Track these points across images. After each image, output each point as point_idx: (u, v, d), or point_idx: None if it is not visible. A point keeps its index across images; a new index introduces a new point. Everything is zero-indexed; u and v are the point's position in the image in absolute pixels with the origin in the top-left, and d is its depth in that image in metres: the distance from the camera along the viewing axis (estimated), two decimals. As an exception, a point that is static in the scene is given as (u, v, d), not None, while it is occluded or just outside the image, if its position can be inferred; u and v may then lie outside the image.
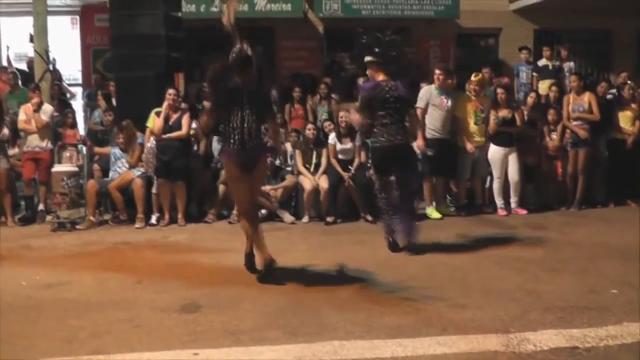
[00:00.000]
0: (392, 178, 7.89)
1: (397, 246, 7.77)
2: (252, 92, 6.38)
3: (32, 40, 12.19)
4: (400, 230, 7.79)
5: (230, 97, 6.36)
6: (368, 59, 7.77)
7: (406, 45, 16.11)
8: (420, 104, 10.02)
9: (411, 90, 11.57)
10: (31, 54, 12.72)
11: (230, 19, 6.43)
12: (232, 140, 6.38)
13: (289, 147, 10.96)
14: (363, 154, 10.19)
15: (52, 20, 12.45)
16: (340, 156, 10.26)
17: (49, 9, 12.23)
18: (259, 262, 6.67)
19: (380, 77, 7.69)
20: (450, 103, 10.13)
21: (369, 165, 7.86)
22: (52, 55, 12.37)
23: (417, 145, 9.81)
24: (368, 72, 7.93)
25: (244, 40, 6.31)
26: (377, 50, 7.69)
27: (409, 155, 8.06)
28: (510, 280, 6.46)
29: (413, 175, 8.22)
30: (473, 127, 10.32)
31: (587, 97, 10.81)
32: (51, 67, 12.24)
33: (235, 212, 9.63)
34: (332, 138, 10.36)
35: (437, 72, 10.28)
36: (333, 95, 12.72)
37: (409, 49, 16.24)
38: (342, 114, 10.29)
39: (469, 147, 10.20)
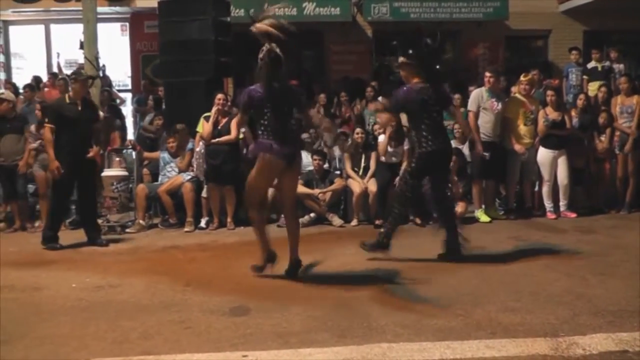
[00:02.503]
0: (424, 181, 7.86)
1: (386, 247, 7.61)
2: (282, 89, 6.53)
3: (82, 46, 12.37)
4: (445, 235, 7.66)
5: (261, 99, 6.48)
6: (401, 59, 7.65)
7: (451, 51, 16.17)
8: (472, 107, 9.99)
9: (459, 93, 11.62)
10: (81, 60, 12.92)
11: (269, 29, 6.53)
12: (268, 137, 6.49)
13: (336, 150, 10.98)
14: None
15: (101, 27, 12.64)
16: (385, 159, 10.25)
17: (99, 16, 12.41)
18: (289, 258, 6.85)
19: (415, 80, 7.48)
20: (500, 105, 10.07)
21: (409, 168, 7.67)
22: (101, 62, 12.55)
23: (476, 149, 9.81)
24: (402, 75, 7.77)
25: (272, 42, 6.41)
26: (411, 52, 7.52)
27: (450, 159, 8.04)
28: (560, 284, 6.39)
29: (447, 176, 8.21)
30: (522, 128, 10.23)
31: (635, 99, 10.64)
32: (101, 74, 12.42)
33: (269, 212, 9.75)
34: (382, 138, 10.36)
35: (487, 74, 10.22)
36: (380, 99, 12.72)
37: (454, 54, 16.31)
38: (379, 116, 10.30)
39: (518, 147, 10.12)
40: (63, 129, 8.80)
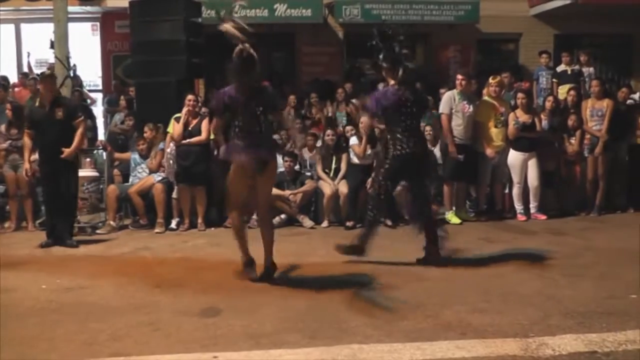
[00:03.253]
0: (401, 185, 7.86)
1: (363, 252, 7.48)
2: (256, 91, 6.47)
3: (52, 46, 12.28)
4: (425, 240, 7.55)
5: (235, 100, 6.43)
6: (378, 63, 7.58)
7: (422, 53, 16.23)
8: (444, 110, 10.03)
9: (430, 95, 11.63)
10: (52, 60, 12.82)
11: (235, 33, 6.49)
12: (243, 139, 6.44)
13: (306, 151, 10.99)
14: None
15: (72, 27, 12.54)
16: (359, 161, 10.27)
17: (70, 16, 12.31)
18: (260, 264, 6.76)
19: (392, 82, 7.43)
20: (471, 108, 10.14)
21: (382, 170, 7.59)
22: (72, 61, 12.46)
23: (449, 151, 9.84)
24: (383, 74, 7.69)
25: (245, 42, 6.37)
26: (386, 54, 7.45)
27: (429, 162, 8.02)
28: (530, 285, 6.44)
29: (429, 182, 8.14)
30: (493, 130, 10.29)
31: (606, 102, 10.75)
32: (71, 73, 12.33)
33: (248, 215, 9.71)
34: (354, 140, 10.38)
35: (459, 77, 10.27)
36: (353, 101, 12.74)
37: (425, 56, 16.36)
38: (363, 119, 10.29)
39: (489, 151, 10.18)
40: (37, 132, 8.85)
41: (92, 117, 13.43)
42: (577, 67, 13.65)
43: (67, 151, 8.67)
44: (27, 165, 9.09)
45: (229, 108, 6.53)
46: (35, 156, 10.07)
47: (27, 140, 9.01)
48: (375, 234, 7.56)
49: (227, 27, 6.46)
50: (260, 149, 6.45)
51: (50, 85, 8.95)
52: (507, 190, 10.70)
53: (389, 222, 9.89)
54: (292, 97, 12.83)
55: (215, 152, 10.56)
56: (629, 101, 11.46)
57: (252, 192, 6.66)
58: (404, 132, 7.33)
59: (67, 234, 8.95)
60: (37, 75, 13.11)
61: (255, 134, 6.45)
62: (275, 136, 10.48)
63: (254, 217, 9.77)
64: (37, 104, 9.02)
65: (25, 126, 9.12)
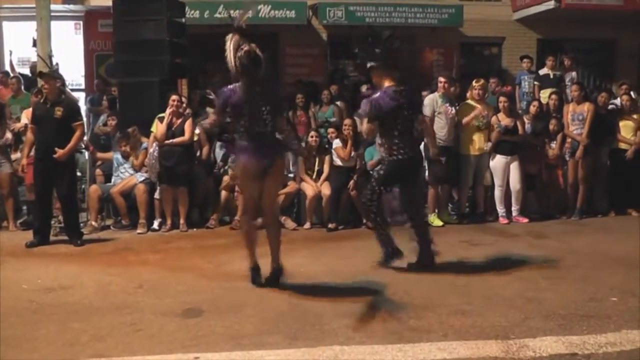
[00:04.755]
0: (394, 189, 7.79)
1: (397, 253, 7.41)
2: (262, 92, 6.33)
3: (35, 44, 12.22)
4: (418, 244, 7.49)
5: (241, 100, 6.31)
6: (371, 64, 7.38)
7: (406, 52, 16.25)
8: (427, 112, 10.02)
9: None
10: (34, 58, 12.74)
11: (242, 24, 6.42)
12: (247, 140, 6.34)
13: (290, 153, 10.96)
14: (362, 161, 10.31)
15: (55, 25, 12.46)
16: (342, 163, 10.28)
17: (52, 14, 12.24)
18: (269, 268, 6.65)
19: (386, 83, 7.21)
20: (454, 111, 10.17)
21: (375, 174, 7.53)
22: (55, 60, 12.39)
23: (431, 153, 9.79)
24: (373, 79, 7.49)
25: (250, 43, 6.31)
26: (378, 52, 7.30)
27: (421, 166, 8.03)
28: (511, 287, 6.47)
29: (421, 186, 8.12)
30: (476, 134, 10.31)
31: (586, 106, 10.81)
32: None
33: (236, 217, 9.70)
34: (337, 142, 10.39)
35: (441, 79, 10.29)
36: (337, 102, 12.77)
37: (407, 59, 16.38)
38: (347, 121, 10.29)
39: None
40: (37, 128, 8.90)
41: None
42: (558, 72, 13.73)
43: (60, 152, 8.63)
44: (24, 161, 9.16)
45: (233, 107, 6.41)
46: (17, 155, 10.06)
47: (29, 135, 9.04)
48: (391, 234, 7.42)
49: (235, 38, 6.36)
50: (264, 151, 6.32)
51: (50, 84, 8.88)
52: (489, 193, 10.74)
53: (370, 225, 9.90)
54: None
55: (198, 153, 10.56)
56: (610, 106, 11.52)
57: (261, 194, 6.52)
58: (400, 135, 7.17)
59: (71, 232, 8.97)
60: (19, 74, 13.08)
61: (260, 135, 6.31)
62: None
63: (237, 217, 9.86)
64: (42, 100, 9.01)
65: (30, 121, 9.18)
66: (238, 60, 6.19)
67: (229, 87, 6.42)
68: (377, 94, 7.20)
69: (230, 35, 6.27)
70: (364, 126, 7.86)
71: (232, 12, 6.94)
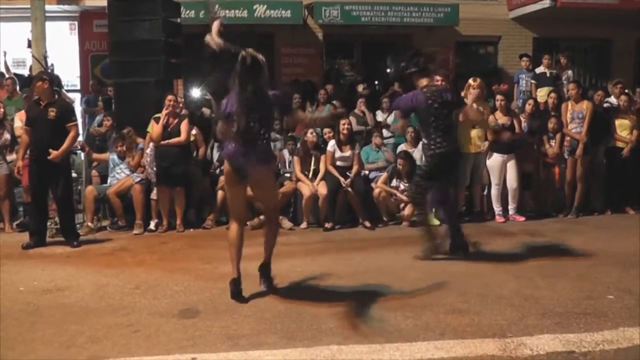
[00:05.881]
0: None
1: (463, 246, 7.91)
2: (261, 96, 6.23)
3: (29, 45, 12.20)
4: (447, 235, 7.95)
5: (240, 103, 6.19)
6: (410, 70, 7.82)
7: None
8: None
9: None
10: (29, 59, 12.72)
11: (214, 38, 6.43)
12: (235, 143, 6.25)
13: (286, 153, 10.98)
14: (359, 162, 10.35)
15: (50, 26, 12.46)
16: (339, 163, 10.28)
17: (47, 14, 12.24)
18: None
19: (424, 82, 7.72)
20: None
21: (419, 170, 7.98)
22: (50, 61, 12.38)
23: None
24: (414, 82, 7.91)
25: (246, 48, 6.28)
26: (413, 57, 7.82)
27: (459, 159, 8.39)
28: (508, 286, 6.47)
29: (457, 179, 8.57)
30: (473, 132, 10.31)
31: (585, 104, 10.83)
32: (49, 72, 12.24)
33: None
34: (332, 145, 10.38)
35: (437, 78, 10.24)
36: (334, 102, 12.75)
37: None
38: (343, 120, 10.30)
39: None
40: (31, 130, 8.88)
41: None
42: (554, 71, 13.74)
43: (54, 153, 8.60)
44: (19, 163, 9.14)
45: (227, 114, 6.28)
46: (13, 156, 10.04)
47: (24, 137, 9.01)
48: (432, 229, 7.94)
49: (209, 38, 6.37)
50: (247, 157, 6.13)
51: (41, 85, 8.85)
52: (485, 192, 10.74)
53: (367, 224, 9.92)
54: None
55: (194, 154, 10.55)
56: (605, 104, 11.54)
57: (246, 201, 6.49)
58: (436, 131, 7.61)
59: (68, 234, 8.96)
60: (15, 74, 13.06)
61: (248, 142, 6.13)
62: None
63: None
64: (36, 101, 8.96)
65: (24, 122, 9.12)
66: (239, 65, 6.16)
67: (228, 94, 6.32)
68: (410, 93, 7.75)
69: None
70: (398, 124, 8.18)
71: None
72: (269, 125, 6.53)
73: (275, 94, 6.46)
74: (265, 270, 6.53)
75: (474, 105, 9.28)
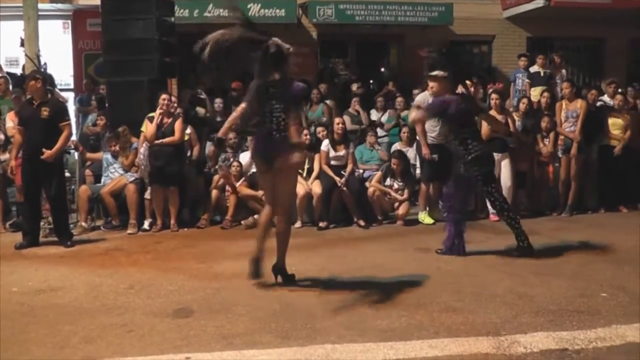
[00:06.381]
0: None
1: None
2: (283, 86, 6.33)
3: (22, 44, 12.17)
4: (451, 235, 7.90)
5: (261, 92, 6.33)
6: (439, 73, 7.79)
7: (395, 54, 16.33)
8: None
9: (402, 96, 11.74)
10: (22, 58, 12.68)
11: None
12: (258, 134, 6.44)
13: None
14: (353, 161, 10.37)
15: (43, 24, 12.43)
16: (333, 162, 10.28)
17: (40, 13, 12.21)
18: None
19: (447, 93, 7.72)
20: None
21: (478, 182, 7.91)
22: (43, 60, 12.34)
23: (423, 153, 9.89)
24: (431, 86, 8.08)
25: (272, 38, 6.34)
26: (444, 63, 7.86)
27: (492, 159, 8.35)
28: (502, 284, 6.48)
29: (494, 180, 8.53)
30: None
31: (579, 103, 10.86)
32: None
33: (227, 216, 9.75)
34: (325, 144, 10.38)
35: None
36: (327, 101, 12.76)
37: (398, 57, 16.46)
38: (338, 120, 10.28)
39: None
40: (24, 129, 8.85)
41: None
42: (548, 70, 13.76)
43: (47, 153, 8.58)
44: (12, 163, 9.10)
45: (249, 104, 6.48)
46: (6, 155, 10.01)
47: (17, 137, 8.97)
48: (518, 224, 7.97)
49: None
50: (268, 147, 6.29)
51: (34, 84, 8.83)
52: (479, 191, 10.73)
53: (362, 223, 9.92)
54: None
55: (189, 153, 10.53)
56: (598, 103, 11.57)
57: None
58: (471, 134, 7.77)
59: (61, 234, 8.93)
60: (7, 73, 13.01)
61: (268, 132, 6.27)
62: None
63: (228, 217, 9.86)
64: (28, 100, 8.96)
65: (17, 122, 9.08)
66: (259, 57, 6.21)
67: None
68: (441, 99, 7.73)
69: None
70: (417, 114, 8.20)
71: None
72: (290, 118, 6.41)
73: (300, 86, 6.48)
74: (278, 269, 6.59)
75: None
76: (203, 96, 12.55)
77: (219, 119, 12.04)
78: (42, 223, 9.22)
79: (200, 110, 12.30)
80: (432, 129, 10.02)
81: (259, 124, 6.41)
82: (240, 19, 6.56)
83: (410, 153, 10.74)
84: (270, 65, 6.24)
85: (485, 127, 10.20)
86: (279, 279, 6.57)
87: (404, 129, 11.10)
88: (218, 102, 12.24)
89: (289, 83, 6.41)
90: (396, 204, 10.19)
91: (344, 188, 9.98)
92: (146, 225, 9.87)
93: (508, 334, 5.01)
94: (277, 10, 14.67)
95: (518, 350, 4.67)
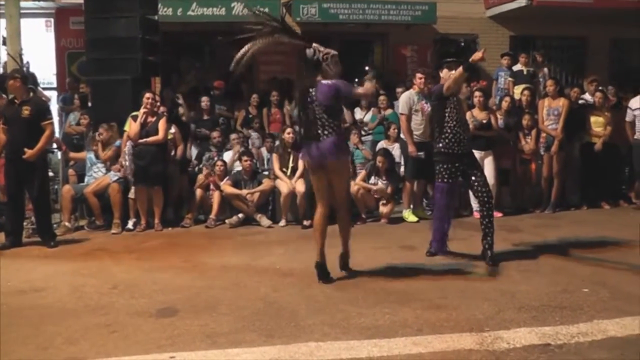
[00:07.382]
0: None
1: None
2: (318, 89, 6.50)
3: (4, 42, 12.11)
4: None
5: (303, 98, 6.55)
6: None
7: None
8: (404, 110, 10.02)
9: (385, 95, 11.76)
10: (4, 56, 12.62)
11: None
12: (304, 136, 6.62)
13: (264, 151, 10.96)
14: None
15: (25, 23, 12.37)
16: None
17: (22, 11, 12.16)
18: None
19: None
20: (429, 107, 10.16)
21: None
22: (25, 58, 12.27)
23: (409, 150, 9.90)
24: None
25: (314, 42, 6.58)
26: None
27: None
28: (485, 281, 6.52)
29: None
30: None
31: (561, 101, 10.93)
32: (24, 70, 12.13)
33: (211, 215, 9.76)
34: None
35: (419, 75, 10.24)
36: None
37: (382, 56, 16.47)
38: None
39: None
40: (7, 128, 8.82)
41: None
42: (532, 69, 13.82)
43: (29, 152, 8.54)
44: None
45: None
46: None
47: (0, 136, 8.92)
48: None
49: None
50: (312, 149, 6.49)
51: (13, 84, 8.80)
52: (463, 188, 10.76)
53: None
54: (254, 96, 12.82)
55: (172, 152, 10.50)
56: (580, 101, 11.64)
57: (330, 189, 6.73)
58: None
59: (44, 234, 8.89)
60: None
61: (313, 134, 6.50)
62: (233, 135, 10.50)
63: (212, 216, 9.85)
64: (13, 99, 8.93)
65: (1, 122, 9.02)
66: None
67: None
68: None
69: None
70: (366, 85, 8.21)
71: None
72: (334, 117, 6.59)
73: (328, 84, 6.54)
74: (343, 258, 6.94)
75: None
76: (180, 101, 12.47)
77: (205, 117, 12.03)
78: (25, 223, 9.17)
79: (180, 110, 12.25)
80: (417, 127, 10.05)
81: (307, 130, 6.58)
82: (279, 25, 6.68)
83: (396, 151, 10.76)
84: (309, 70, 6.37)
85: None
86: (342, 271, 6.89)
87: (393, 126, 11.09)
88: (205, 101, 12.18)
89: (320, 86, 6.51)
90: (381, 202, 10.20)
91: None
92: (130, 225, 9.84)
93: (491, 330, 5.04)
94: (261, 9, 14.61)
95: (501, 346, 4.70)
